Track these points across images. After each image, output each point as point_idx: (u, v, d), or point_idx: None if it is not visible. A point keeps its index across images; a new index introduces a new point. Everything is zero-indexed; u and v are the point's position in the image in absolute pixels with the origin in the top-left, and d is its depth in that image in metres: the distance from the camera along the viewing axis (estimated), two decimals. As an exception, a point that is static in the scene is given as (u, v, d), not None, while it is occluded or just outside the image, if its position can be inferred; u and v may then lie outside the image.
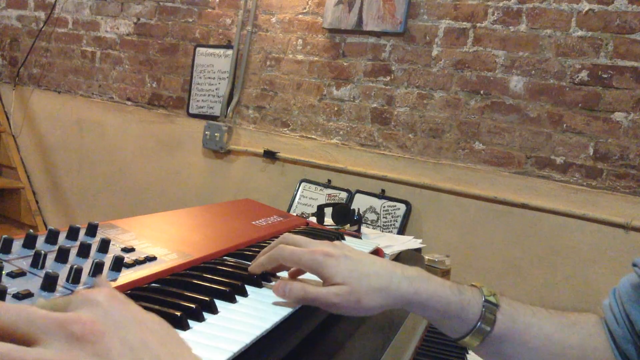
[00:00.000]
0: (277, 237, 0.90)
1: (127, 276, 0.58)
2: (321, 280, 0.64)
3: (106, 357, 0.31)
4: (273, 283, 0.69)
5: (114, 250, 0.64)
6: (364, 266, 0.63)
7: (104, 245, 0.63)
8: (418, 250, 1.44)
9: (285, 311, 0.61)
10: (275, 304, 0.63)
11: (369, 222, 2.43)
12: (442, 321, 0.65)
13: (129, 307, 0.36)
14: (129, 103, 3.24)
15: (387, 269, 0.64)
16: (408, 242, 1.39)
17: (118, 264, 0.59)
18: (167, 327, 0.37)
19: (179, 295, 0.57)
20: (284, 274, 0.73)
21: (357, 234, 1.27)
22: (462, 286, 0.65)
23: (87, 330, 0.32)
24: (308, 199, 2.58)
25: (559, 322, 0.67)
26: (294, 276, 0.71)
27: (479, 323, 0.63)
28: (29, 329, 0.32)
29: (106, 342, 0.32)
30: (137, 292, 0.57)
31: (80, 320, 0.32)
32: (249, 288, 0.65)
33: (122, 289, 0.56)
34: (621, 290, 0.67)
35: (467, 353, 1.06)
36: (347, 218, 1.37)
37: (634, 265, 0.68)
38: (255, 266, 0.68)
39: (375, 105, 2.53)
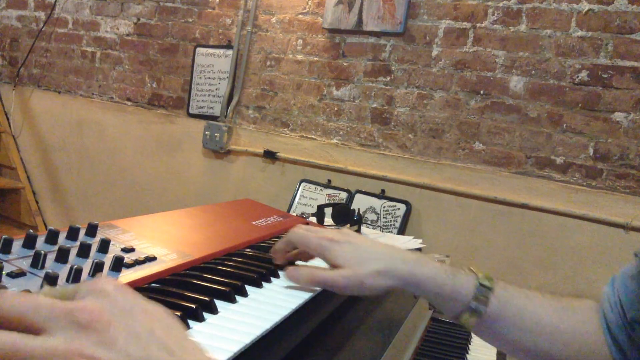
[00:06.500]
0: (277, 237, 0.91)
1: (127, 276, 0.58)
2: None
3: (112, 345, 0.31)
4: (273, 283, 0.70)
5: (114, 250, 0.64)
6: (365, 251, 0.68)
7: (104, 246, 0.63)
8: (418, 250, 1.44)
9: (285, 311, 0.61)
10: (275, 303, 0.63)
11: (369, 222, 2.43)
12: (437, 301, 0.69)
13: (135, 296, 0.36)
14: (129, 103, 3.24)
15: (386, 253, 0.69)
16: (408, 242, 1.39)
17: (118, 264, 0.59)
18: (172, 317, 0.37)
19: (179, 296, 0.57)
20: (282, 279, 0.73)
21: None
22: (458, 270, 0.70)
23: (93, 319, 0.32)
24: (308, 199, 2.58)
25: (552, 306, 0.69)
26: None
27: (471, 304, 0.66)
28: (35, 318, 0.32)
29: (112, 331, 0.32)
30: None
31: (86, 309, 0.32)
32: (249, 288, 0.65)
33: (122, 289, 0.56)
34: (619, 279, 0.69)
35: (467, 353, 1.06)
36: (347, 218, 1.37)
37: (635, 255, 0.68)
38: (274, 252, 0.75)
39: (375, 105, 2.53)
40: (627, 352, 0.64)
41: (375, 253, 0.68)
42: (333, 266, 0.68)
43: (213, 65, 2.94)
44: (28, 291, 0.47)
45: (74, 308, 0.32)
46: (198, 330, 0.51)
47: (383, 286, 0.67)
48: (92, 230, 0.67)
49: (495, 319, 0.67)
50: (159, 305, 0.37)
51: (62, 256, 0.57)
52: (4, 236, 0.56)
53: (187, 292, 0.58)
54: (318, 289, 0.69)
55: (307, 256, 0.77)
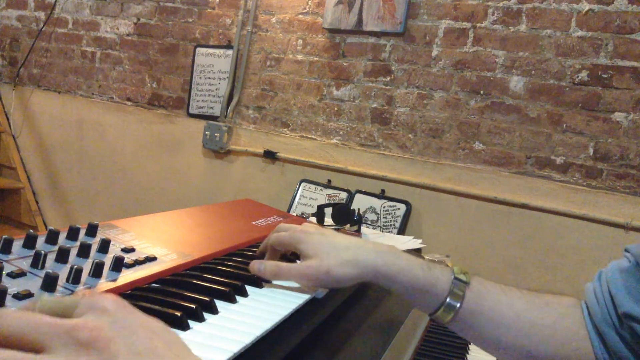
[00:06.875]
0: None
1: (127, 276, 0.58)
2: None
3: None
4: (274, 283, 0.69)
5: (114, 250, 0.64)
6: (335, 241, 0.67)
7: (104, 246, 0.63)
8: (418, 250, 1.44)
9: (285, 311, 0.61)
10: (275, 304, 0.63)
11: (369, 222, 2.43)
12: (411, 295, 0.67)
13: (135, 313, 0.36)
14: (129, 103, 3.24)
15: (357, 243, 0.68)
16: (408, 242, 1.39)
17: (118, 264, 0.59)
18: (172, 332, 0.37)
19: (179, 296, 0.57)
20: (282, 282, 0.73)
21: (357, 235, 1.27)
22: (434, 264, 0.68)
23: (93, 337, 0.32)
24: (308, 199, 2.58)
25: (530, 301, 0.67)
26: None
27: (447, 299, 0.65)
28: (36, 336, 0.32)
29: (113, 349, 0.32)
30: (137, 293, 0.57)
31: (86, 327, 0.32)
32: (249, 288, 0.65)
33: (122, 289, 0.56)
34: (608, 274, 0.68)
35: (467, 353, 1.06)
36: (347, 218, 1.37)
37: (626, 250, 0.68)
38: (253, 262, 0.70)
39: (375, 105, 2.53)
40: (612, 347, 0.62)
41: (345, 244, 0.67)
42: (304, 258, 0.67)
43: (213, 65, 2.94)
44: (28, 291, 0.47)
45: (74, 326, 0.32)
46: (198, 331, 0.51)
47: (350, 276, 0.65)
48: (92, 230, 0.67)
49: (471, 314, 0.65)
50: (159, 321, 0.37)
51: (62, 256, 0.57)
52: (4, 236, 0.56)
53: (187, 292, 0.58)
54: (317, 289, 0.69)
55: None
